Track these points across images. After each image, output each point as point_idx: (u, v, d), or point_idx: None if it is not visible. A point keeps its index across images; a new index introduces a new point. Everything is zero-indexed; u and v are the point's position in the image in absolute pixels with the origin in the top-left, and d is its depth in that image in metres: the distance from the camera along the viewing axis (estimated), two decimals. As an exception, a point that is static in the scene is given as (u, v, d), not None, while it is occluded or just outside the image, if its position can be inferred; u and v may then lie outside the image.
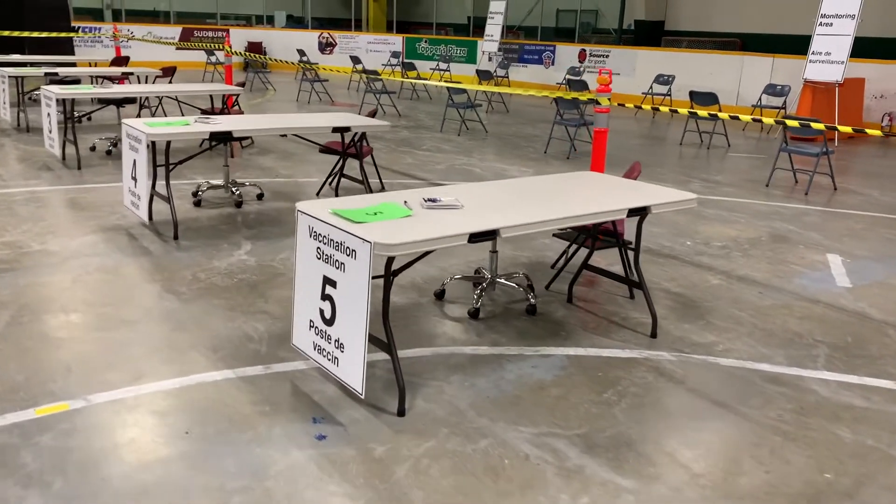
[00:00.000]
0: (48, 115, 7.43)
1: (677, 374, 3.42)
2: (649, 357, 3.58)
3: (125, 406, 2.97)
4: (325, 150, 6.49)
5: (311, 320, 3.12)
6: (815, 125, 6.19)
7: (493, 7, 18.04)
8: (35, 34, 13.79)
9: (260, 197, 6.44)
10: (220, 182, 6.71)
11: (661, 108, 6.98)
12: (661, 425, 2.97)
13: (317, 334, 3.09)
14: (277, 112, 12.36)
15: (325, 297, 3.01)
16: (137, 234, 5.22)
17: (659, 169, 8.61)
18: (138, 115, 10.73)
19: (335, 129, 5.64)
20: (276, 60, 12.63)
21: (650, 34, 17.64)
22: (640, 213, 3.41)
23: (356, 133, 5.99)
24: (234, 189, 6.37)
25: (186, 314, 3.89)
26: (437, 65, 19.19)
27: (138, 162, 5.09)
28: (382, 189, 6.95)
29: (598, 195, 3.60)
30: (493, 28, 18.23)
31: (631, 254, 3.91)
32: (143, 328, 3.70)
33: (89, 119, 10.23)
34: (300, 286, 3.17)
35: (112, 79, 11.66)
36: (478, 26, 21.03)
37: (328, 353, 3.02)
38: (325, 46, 21.91)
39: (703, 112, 6.66)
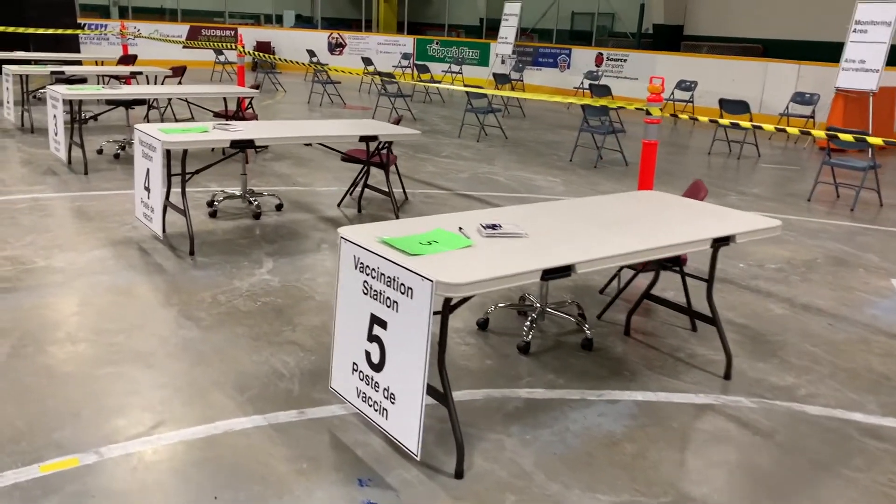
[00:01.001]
0: (54, 116, 7.05)
1: (762, 425, 3.03)
2: (727, 404, 3.19)
3: (143, 462, 2.59)
4: (348, 158, 6.11)
5: (354, 363, 2.74)
6: (870, 139, 5.81)
7: (508, 9, 17.67)
8: (41, 31, 13.41)
9: (279, 208, 6.06)
10: (236, 191, 6.33)
11: (684, 115, 6.60)
12: (757, 492, 2.59)
13: (361, 379, 2.71)
14: (290, 115, 11.98)
15: (372, 338, 2.62)
16: (150, 249, 4.84)
17: (688, 180, 8.22)
18: (146, 117, 10.36)
19: (363, 139, 5.26)
20: (284, 61, 12.26)
21: (669, 39, 17.25)
22: (724, 242, 3.02)
23: (381, 142, 5.61)
24: (251, 199, 5.99)
25: (207, 345, 3.51)
26: (450, 67, 18.81)
27: (152, 171, 4.71)
28: (406, 200, 6.58)
29: (674, 221, 3.22)
30: (508, 30, 17.85)
31: (695, 283, 3.53)
32: (160, 362, 3.32)
33: (95, 120, 9.86)
34: (342, 323, 2.79)
35: (119, 78, 11.30)
36: (490, 28, 20.66)
37: (375, 402, 2.64)
38: (335, 47, 21.54)
39: (745, 123, 6.27)
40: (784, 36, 15.80)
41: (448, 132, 10.98)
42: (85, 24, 18.52)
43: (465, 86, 10.64)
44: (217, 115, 8.39)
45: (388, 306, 2.52)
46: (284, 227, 5.53)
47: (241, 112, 7.96)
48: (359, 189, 6.40)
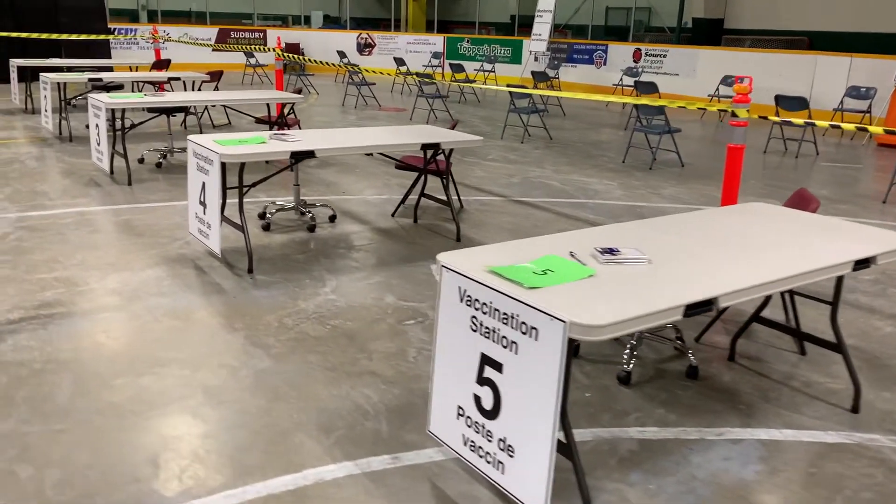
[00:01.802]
0: (96, 125, 6.86)
1: (910, 469, 2.70)
2: (862, 443, 2.87)
3: (231, 521, 2.33)
4: (404, 166, 5.83)
5: (459, 407, 2.45)
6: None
7: (542, 5, 17.32)
8: (73, 37, 13.31)
9: (332, 219, 5.80)
10: (287, 201, 6.09)
11: (774, 117, 6.22)
12: (925, 553, 2.27)
13: (469, 426, 2.42)
14: (327, 119, 11.74)
15: (483, 380, 2.34)
16: (206, 267, 4.60)
17: (752, 182, 7.85)
18: (183, 123, 10.17)
19: (425, 147, 4.98)
20: (314, 62, 12.01)
21: (709, 33, 16.78)
22: (865, 264, 2.70)
23: (440, 148, 5.32)
24: (304, 210, 5.73)
25: (281, 377, 3.25)
26: (482, 66, 18.49)
27: (208, 186, 4.46)
28: (461, 208, 6.28)
29: (802, 240, 2.89)
30: (542, 27, 17.50)
31: (801, 302, 3.20)
32: (233, 398, 3.06)
33: (133, 127, 9.68)
34: (443, 362, 2.50)
35: (155, 83, 11.13)
36: (522, 25, 20.30)
37: (488, 454, 2.35)
38: (364, 47, 21.30)
39: (821, 123, 5.89)
40: (832, 27, 15.27)
41: (490, 133, 10.67)
42: (115, 29, 18.47)
43: (509, 85, 10.33)
44: (259, 120, 8.16)
45: (505, 346, 2.23)
46: (341, 241, 5.27)
47: (283, 118, 7.72)
48: (413, 197, 6.12)
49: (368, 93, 14.49)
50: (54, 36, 13.24)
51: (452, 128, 5.96)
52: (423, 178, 5.88)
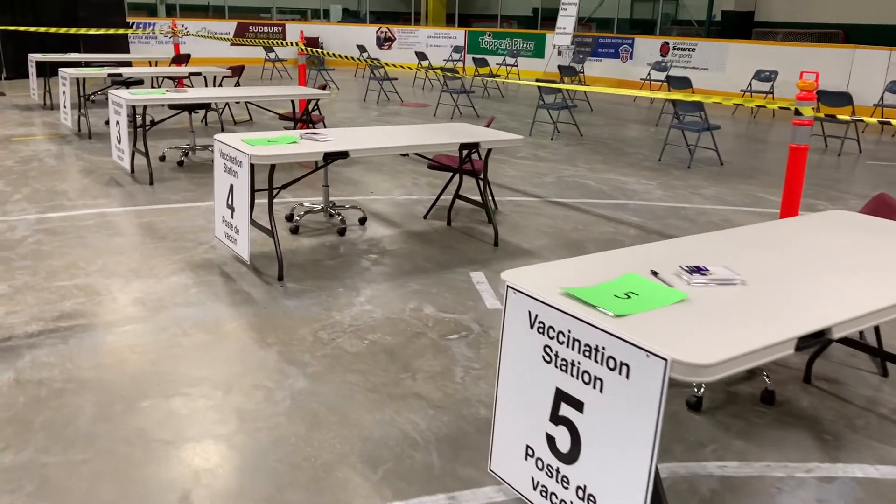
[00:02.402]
0: (117, 123, 6.63)
1: None
2: (971, 482, 2.57)
3: (274, 575, 2.07)
4: (437, 166, 5.56)
5: (528, 447, 2.18)
6: None
7: (566, -2, 16.95)
8: (93, 31, 13.14)
9: (362, 222, 5.54)
10: (315, 203, 5.84)
11: (771, 105, 5.89)
12: None
13: (540, 469, 2.15)
14: (349, 115, 11.49)
15: (559, 419, 2.06)
16: (234, 274, 4.35)
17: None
18: (204, 119, 9.95)
19: (463, 147, 4.70)
20: (333, 56, 11.71)
21: (739, 26, 16.36)
22: (982, 286, 2.39)
23: (478, 148, 5.04)
24: (333, 212, 5.48)
25: (320, 400, 2.99)
26: (504, 60, 18.16)
27: (237, 189, 4.21)
28: (496, 210, 6.00)
29: None
30: (566, 20, 17.15)
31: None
32: (270, 424, 2.80)
33: (154, 124, 9.47)
34: (509, 394, 2.23)
35: (174, 79, 10.92)
36: (546, 18, 19.94)
37: (563, 501, 2.08)
38: (384, 41, 21.03)
39: (870, 119, 5.55)
40: (869, 20, 14.81)
41: (517, 130, 10.37)
42: (134, 24, 18.31)
43: (538, 80, 10.02)
44: (282, 116, 7.92)
45: (587, 383, 1.96)
46: (373, 245, 5.01)
47: (308, 115, 7.47)
48: (446, 198, 5.85)
49: (390, 88, 14.23)
50: (73, 30, 13.07)
51: (488, 125, 5.68)
52: (459, 178, 5.61)
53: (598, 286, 2.15)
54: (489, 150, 5.03)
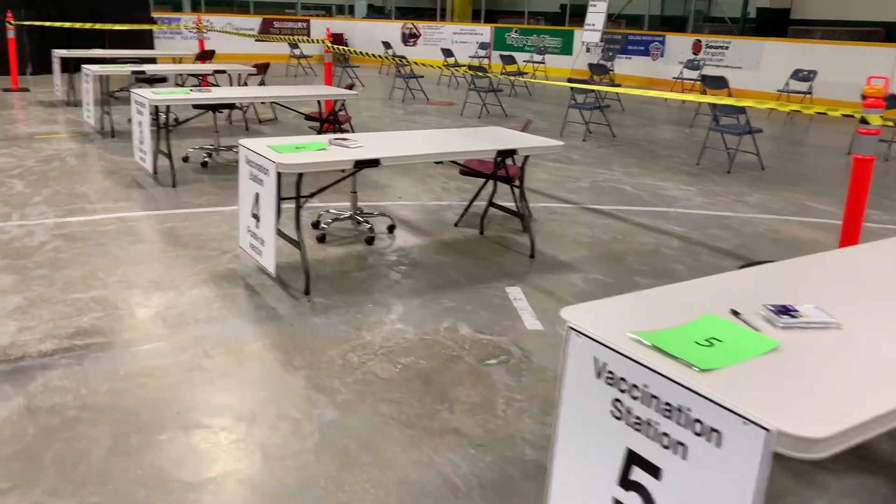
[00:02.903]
0: (139, 123, 6.45)
1: None
2: None
3: None
4: (470, 172, 5.30)
5: (592, 509, 1.93)
6: None
7: (596, -6, 16.60)
8: (118, 27, 13.03)
9: (391, 230, 5.30)
10: (342, 209, 5.61)
11: (809, 108, 5.56)
12: None
13: (605, 535, 1.89)
14: (375, 114, 11.26)
15: (629, 483, 1.81)
16: (258, 286, 4.13)
17: (840, 189, 7.15)
18: (229, 118, 9.77)
19: (500, 154, 4.44)
20: (358, 53, 11.49)
21: (775, 23, 15.91)
22: None
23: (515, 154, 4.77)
24: (361, 220, 5.24)
25: (351, 435, 2.76)
26: (531, 57, 17.84)
27: (263, 198, 3.98)
28: (531, 218, 5.73)
29: None
30: (595, 17, 16.80)
31: None
32: (299, 463, 2.57)
33: (178, 125, 9.31)
34: (569, 447, 1.97)
35: (198, 76, 10.76)
36: (574, 15, 19.58)
37: (634, 576, 1.83)
38: (409, 38, 20.79)
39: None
40: (912, 18, 14.32)
41: (546, 130, 10.08)
42: (158, 19, 18.22)
43: (570, 80, 9.72)
44: (308, 117, 7.71)
45: (666, 447, 1.70)
46: (403, 255, 4.77)
47: (334, 116, 7.24)
48: (478, 204, 5.60)
49: (416, 86, 13.98)
50: (98, 26, 12.97)
51: (525, 129, 5.42)
52: (489, 183, 5.35)
53: (673, 330, 1.89)
54: (526, 157, 4.76)
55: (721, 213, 6.08)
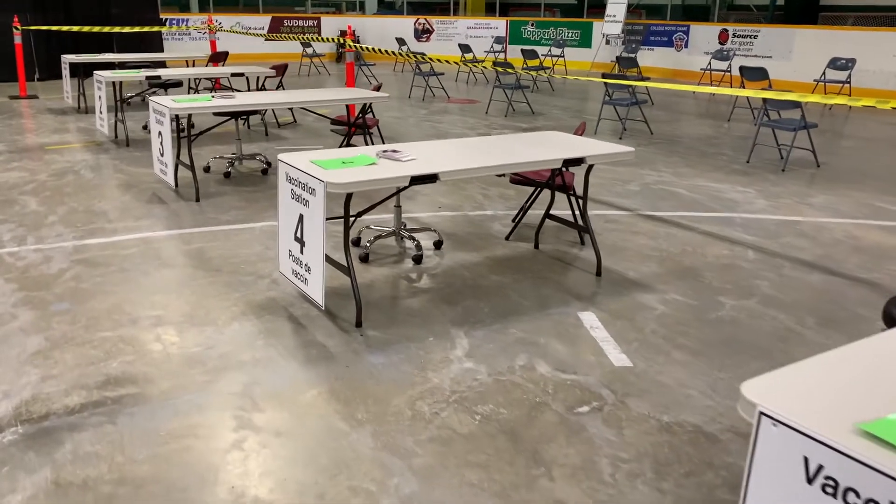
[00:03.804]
0: (159, 133, 6.02)
1: None
2: None
3: None
4: (522, 181, 4.86)
5: None
6: None
7: (616, -16, 16.08)
8: (126, 29, 12.62)
9: (438, 245, 4.86)
10: (383, 224, 5.17)
11: (849, 100, 5.07)
12: None
13: None
14: (398, 115, 10.81)
15: None
16: (303, 318, 3.70)
17: (880, 183, 6.68)
18: (246, 122, 9.35)
19: (567, 163, 3.99)
20: (373, 50, 11.03)
21: (804, 10, 15.36)
22: None
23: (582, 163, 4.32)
24: (405, 235, 4.81)
25: (439, 513, 2.33)
26: (549, 50, 17.35)
27: (308, 220, 3.55)
28: (587, 230, 5.28)
29: None
30: (616, 7, 16.29)
31: None
32: (382, 554, 2.14)
33: (200, 134, 8.88)
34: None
35: (210, 79, 10.34)
36: (592, 6, 19.06)
37: None
38: (422, 33, 20.31)
39: None
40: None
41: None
42: (167, 20, 17.81)
43: (604, 76, 9.24)
44: (335, 122, 7.27)
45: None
46: (457, 277, 4.33)
47: (363, 118, 6.80)
48: (522, 216, 5.15)
49: (436, 83, 13.51)
50: (106, 29, 12.56)
51: (580, 133, 4.97)
52: (539, 192, 4.90)
53: (886, 422, 1.44)
54: (591, 166, 4.31)
55: (789, 218, 5.62)
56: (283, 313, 3.78)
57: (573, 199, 4.88)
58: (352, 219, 4.66)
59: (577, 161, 4.03)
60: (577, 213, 4.91)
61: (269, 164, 7.00)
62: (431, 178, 3.59)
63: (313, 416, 2.86)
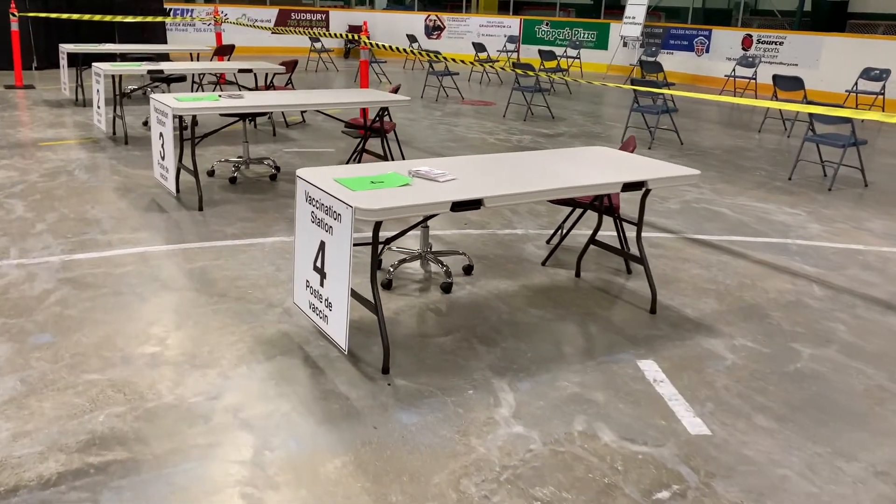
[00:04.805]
0: (160, 135, 5.52)
1: None
2: None
3: None
4: (562, 200, 4.35)
5: None
6: None
7: (636, -15, 15.56)
8: (129, 19, 12.10)
9: (468, 271, 4.36)
10: (407, 247, 4.67)
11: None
12: None
13: None
14: (413, 117, 10.29)
15: None
16: (320, 359, 3.20)
17: (972, 211, 6.17)
18: (253, 121, 8.83)
19: (627, 187, 3.49)
20: (382, 47, 10.49)
21: (831, 17, 14.85)
22: None
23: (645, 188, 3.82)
24: (431, 259, 4.31)
25: None
26: (565, 51, 16.83)
27: (332, 249, 3.05)
28: (640, 260, 4.78)
29: None
30: (636, 9, 15.77)
31: None
32: None
33: (204, 137, 8.38)
34: None
35: (215, 75, 9.82)
36: (609, 7, 18.54)
37: None
38: (433, 30, 19.78)
39: None
40: None
41: (603, 135, 9.11)
42: (171, 10, 17.27)
43: (633, 81, 8.73)
44: (349, 125, 6.76)
45: None
46: (492, 310, 3.83)
47: (380, 121, 6.30)
48: (562, 239, 4.65)
49: (450, 84, 13.00)
50: (108, 18, 12.04)
51: (631, 149, 4.47)
52: (582, 214, 4.40)
53: None
54: (648, 190, 3.81)
55: (850, 246, 5.12)
56: (298, 353, 3.28)
57: (619, 222, 4.39)
58: (382, 245, 4.16)
59: (638, 185, 3.54)
60: (622, 237, 4.41)
61: (278, 168, 6.50)
62: (475, 204, 3.09)
63: (338, 496, 2.36)
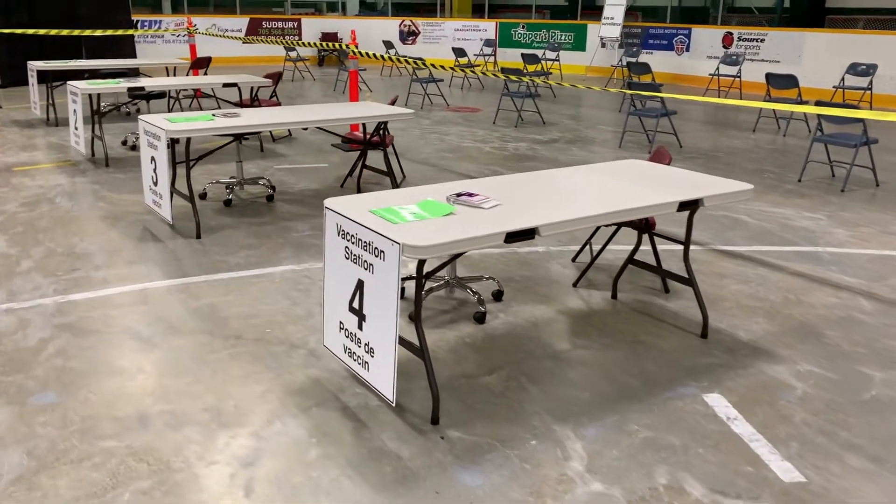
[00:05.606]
0: (152, 159, 5.15)
1: None
2: None
3: None
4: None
5: None
6: None
7: (614, -15, 15.43)
8: (97, 33, 11.61)
9: (498, 297, 4.08)
10: (440, 275, 4.37)
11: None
12: None
13: None
14: (398, 124, 9.97)
15: None
16: (360, 410, 2.89)
17: None
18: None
19: (683, 206, 3.24)
20: (364, 55, 10.15)
21: (810, 13, 14.85)
22: None
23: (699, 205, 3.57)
24: (461, 287, 4.01)
25: None
26: (544, 54, 16.65)
27: (373, 290, 2.74)
28: (689, 282, 4.53)
29: None
30: (614, 10, 15.64)
31: None
32: None
33: (199, 159, 7.97)
34: None
35: (193, 89, 9.43)
36: (586, 8, 18.40)
37: None
38: (408, 35, 19.49)
39: None
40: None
41: (598, 140, 8.90)
42: (138, 22, 16.75)
43: (630, 84, 8.52)
44: (345, 139, 6.45)
45: None
46: (532, 342, 3.55)
47: (381, 135, 5.99)
48: (594, 258, 4.38)
49: (435, 90, 12.71)
50: (75, 32, 11.54)
51: (667, 161, 4.22)
52: (616, 231, 4.15)
53: None
54: (696, 207, 3.56)
55: (883, 253, 4.94)
56: (335, 403, 2.96)
57: (655, 238, 4.13)
58: (426, 281, 3.85)
59: (693, 203, 3.28)
60: (657, 255, 4.16)
61: (273, 188, 6.15)
62: (529, 234, 2.80)
63: (416, 585, 2.06)
